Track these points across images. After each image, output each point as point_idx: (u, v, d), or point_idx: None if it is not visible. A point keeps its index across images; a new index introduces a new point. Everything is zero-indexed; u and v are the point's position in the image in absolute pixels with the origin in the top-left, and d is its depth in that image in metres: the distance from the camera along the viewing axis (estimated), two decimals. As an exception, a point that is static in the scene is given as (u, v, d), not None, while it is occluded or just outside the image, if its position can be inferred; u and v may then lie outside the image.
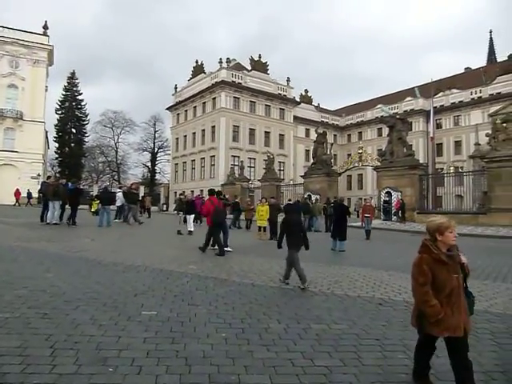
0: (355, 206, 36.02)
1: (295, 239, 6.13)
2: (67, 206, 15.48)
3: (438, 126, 49.20)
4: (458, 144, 49.31)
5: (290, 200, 24.18)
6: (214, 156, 46.28)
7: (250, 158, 46.93)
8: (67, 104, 60.07)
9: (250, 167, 46.10)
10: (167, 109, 58.14)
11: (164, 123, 68.71)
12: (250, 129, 47.77)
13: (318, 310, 4.77)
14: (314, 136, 35.40)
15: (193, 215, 15.58)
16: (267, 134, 49.24)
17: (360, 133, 59.89)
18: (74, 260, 7.74)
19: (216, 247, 10.09)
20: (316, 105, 61.07)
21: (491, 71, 48.76)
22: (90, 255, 8.35)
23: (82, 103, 61.55)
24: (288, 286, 6.10)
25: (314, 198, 24.98)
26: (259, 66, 49.80)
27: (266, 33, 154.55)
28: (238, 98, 46.89)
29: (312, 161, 32.43)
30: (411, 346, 3.56)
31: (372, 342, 3.68)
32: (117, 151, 69.65)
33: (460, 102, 49.44)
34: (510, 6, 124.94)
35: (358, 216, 29.26)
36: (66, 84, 60.40)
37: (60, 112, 59.74)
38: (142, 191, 45.51)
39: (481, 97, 47.51)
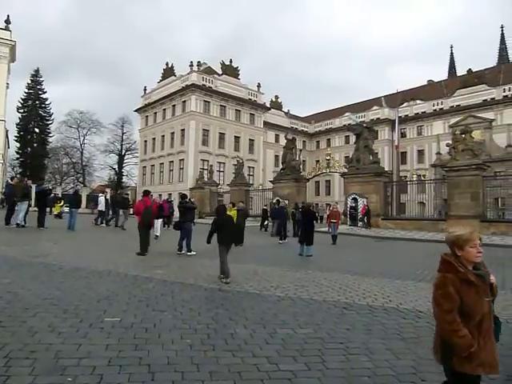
0: (319, 211, 36.54)
1: (225, 236, 6.92)
2: (32, 208, 15.01)
3: (403, 135, 51.00)
4: (420, 153, 51.20)
5: (265, 205, 24.76)
6: (183, 159, 45.80)
7: (220, 163, 46.79)
8: (30, 102, 57.65)
9: (220, 171, 45.93)
10: (136, 110, 57.04)
11: (132, 125, 67.25)
12: (220, 133, 47.67)
13: (285, 314, 4.80)
14: (283, 142, 35.71)
15: (160, 219, 15.32)
16: (237, 138, 49.30)
17: (328, 140, 61.04)
18: (34, 265, 7.42)
19: (183, 251, 10.00)
20: (286, 111, 61.74)
21: (452, 84, 51.15)
22: (52, 260, 8.05)
23: (47, 102, 59.34)
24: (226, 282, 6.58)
25: (282, 203, 25.17)
26: (230, 70, 49.88)
27: (238, 38, 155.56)
28: (209, 102, 46.73)
29: (281, 166, 32.72)
30: (374, 350, 3.67)
31: (336, 346, 3.74)
32: (82, 152, 67.42)
33: (423, 112, 51.45)
34: (471, 21, 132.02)
35: (320, 221, 29.86)
36: (30, 82, 58.13)
37: (22, 110, 57.25)
38: (108, 194, 44.44)
39: (442, 108, 49.64)
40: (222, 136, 47.79)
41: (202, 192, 37.10)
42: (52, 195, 23.43)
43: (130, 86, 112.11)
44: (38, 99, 58.63)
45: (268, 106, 55.16)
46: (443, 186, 23.25)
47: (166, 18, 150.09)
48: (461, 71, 61.10)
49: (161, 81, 53.23)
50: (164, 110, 50.58)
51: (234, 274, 7.50)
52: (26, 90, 57.96)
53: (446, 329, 2.14)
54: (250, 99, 51.24)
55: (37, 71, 58.62)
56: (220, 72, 49.84)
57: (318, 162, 41.00)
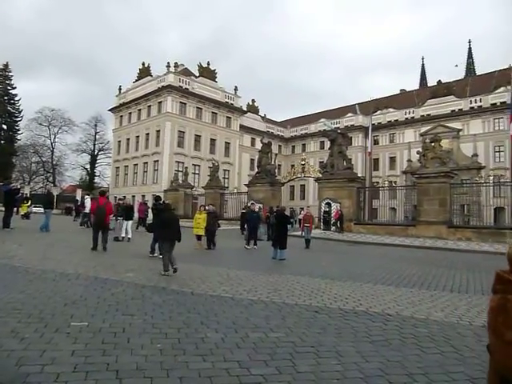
0: (293, 215, 36.81)
1: (167, 234, 7.59)
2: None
3: (376, 142, 52.20)
4: (392, 160, 52.54)
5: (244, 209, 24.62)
6: (157, 161, 45.20)
7: (195, 165, 46.45)
8: (-2, 98, 55.73)
9: (195, 174, 45.61)
10: (110, 110, 55.93)
11: (106, 125, 65.91)
12: (196, 135, 47.39)
13: (257, 318, 4.79)
14: (259, 145, 35.83)
15: (131, 221, 15.02)
16: (213, 141, 49.12)
17: (304, 145, 61.72)
18: (-3, 267, 7.12)
19: (155, 254, 9.85)
20: (262, 115, 62.03)
21: (422, 94, 52.86)
22: (16, 262, 7.74)
23: (16, 98, 57.54)
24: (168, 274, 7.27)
25: (257, 206, 25.22)
26: (207, 72, 49.71)
27: (217, 41, 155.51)
28: (185, 104, 46.38)
29: (257, 170, 32.80)
30: (344, 352, 3.72)
31: (307, 350, 3.76)
32: (53, 151, 65.37)
33: (395, 120, 52.86)
34: (442, 34, 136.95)
35: (292, 225, 30.03)
36: (-2, 76, 56.14)
37: (-11, 106, 55.24)
38: (79, 195, 43.21)
39: (413, 117, 51.19)
40: (197, 138, 47.52)
41: (176, 194, 36.67)
42: (20, 195, 22.64)
43: (105, 84, 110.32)
44: (7, 95, 56.74)
45: (245, 109, 55.29)
46: (413, 192, 23.92)
47: (145, 18, 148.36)
48: (431, 81, 63.23)
49: (136, 80, 52.44)
50: (139, 110, 49.83)
51: (206, 277, 7.45)
52: (-6, 85, 55.95)
53: (508, 364, 1.56)
54: (227, 102, 51.21)
55: (6, 65, 56.78)
56: (197, 74, 49.60)
57: (293, 166, 41.38)
